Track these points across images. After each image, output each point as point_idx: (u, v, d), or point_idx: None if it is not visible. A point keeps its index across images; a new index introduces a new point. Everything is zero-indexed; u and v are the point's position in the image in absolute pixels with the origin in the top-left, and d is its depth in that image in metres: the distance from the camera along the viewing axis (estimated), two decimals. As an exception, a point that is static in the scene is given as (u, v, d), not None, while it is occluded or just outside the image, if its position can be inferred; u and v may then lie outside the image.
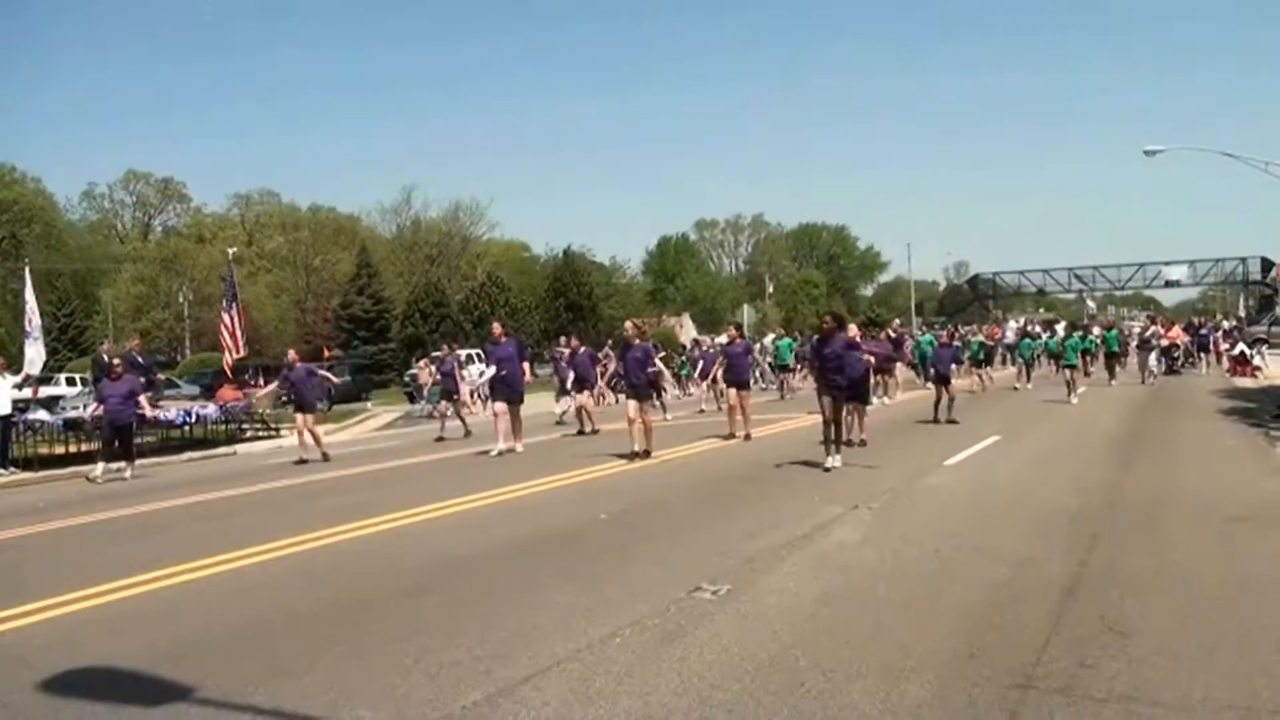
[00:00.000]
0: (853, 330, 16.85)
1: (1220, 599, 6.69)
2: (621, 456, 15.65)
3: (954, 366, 22.81)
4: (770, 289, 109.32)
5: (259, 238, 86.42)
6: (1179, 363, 37.98)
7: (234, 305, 27.92)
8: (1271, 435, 16.60)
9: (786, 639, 5.98)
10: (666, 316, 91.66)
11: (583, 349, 22.74)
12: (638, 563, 8.31)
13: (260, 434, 25.56)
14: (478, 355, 39.24)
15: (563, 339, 34.18)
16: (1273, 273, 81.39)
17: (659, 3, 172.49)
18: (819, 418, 14.23)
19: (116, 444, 17.75)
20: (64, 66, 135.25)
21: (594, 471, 14.58)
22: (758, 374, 33.94)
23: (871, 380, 20.47)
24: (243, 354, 28.72)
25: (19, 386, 21.69)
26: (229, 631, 6.72)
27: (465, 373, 28.16)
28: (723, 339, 24.44)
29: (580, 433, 21.26)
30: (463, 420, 23.51)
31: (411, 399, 36.37)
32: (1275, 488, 11.68)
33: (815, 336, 16.10)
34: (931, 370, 23.88)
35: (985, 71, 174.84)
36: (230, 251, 37.56)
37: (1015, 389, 30.07)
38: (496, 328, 19.16)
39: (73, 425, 21.57)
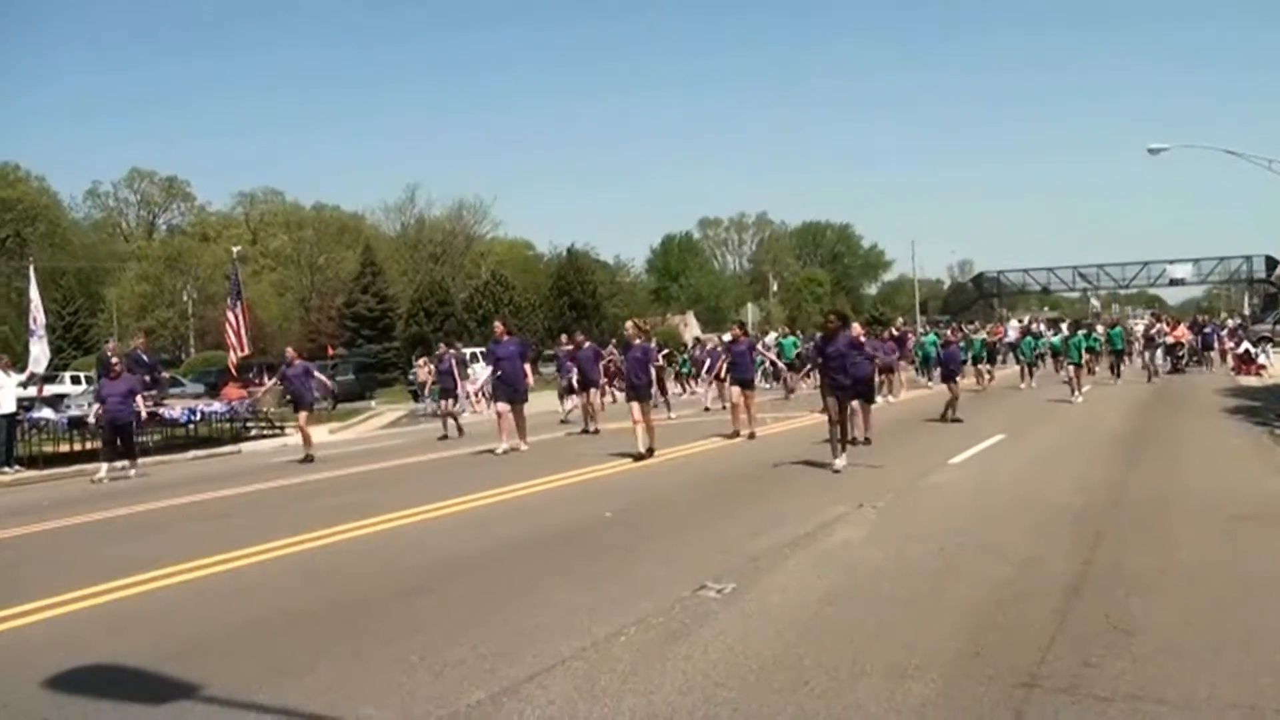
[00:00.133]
0: (856, 329, 16.84)
1: (1225, 598, 6.68)
2: (625, 456, 15.63)
3: (961, 365, 22.72)
4: (774, 287, 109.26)
5: (263, 236, 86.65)
6: (1184, 361, 37.95)
7: (239, 304, 27.96)
8: (1276, 434, 16.55)
9: (791, 638, 5.98)
10: (670, 315, 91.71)
11: (587, 345, 22.69)
12: (641, 561, 8.31)
13: (265, 432, 25.58)
14: (480, 354, 39.26)
15: (564, 337, 34.18)
16: (1277, 271, 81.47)
17: (662, 1, 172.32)
18: (822, 417, 14.22)
19: (118, 442, 17.78)
20: (68, 65, 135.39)
21: (597, 470, 14.58)
22: (760, 374, 34.00)
23: (876, 379, 20.46)
24: (247, 352, 28.77)
25: (24, 385, 21.72)
26: (231, 630, 6.72)
27: (470, 371, 28.22)
28: (726, 338, 24.42)
29: (584, 432, 21.25)
30: (455, 420, 23.46)
31: (416, 397, 36.40)
32: (1280, 486, 11.66)
33: (819, 335, 16.08)
34: (938, 369, 23.81)
35: (989, 70, 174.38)
36: (235, 250, 37.61)
37: (1019, 388, 30.02)
38: (498, 326, 19.17)
39: (77, 423, 21.59)
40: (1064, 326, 35.47)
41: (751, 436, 18.01)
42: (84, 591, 7.86)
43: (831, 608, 6.70)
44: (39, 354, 23.54)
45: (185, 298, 76.07)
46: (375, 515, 10.99)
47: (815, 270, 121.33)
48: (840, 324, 14.43)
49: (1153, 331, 37.29)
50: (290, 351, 21.13)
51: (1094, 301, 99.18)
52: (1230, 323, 50.45)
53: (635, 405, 15.94)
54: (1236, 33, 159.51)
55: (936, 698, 4.91)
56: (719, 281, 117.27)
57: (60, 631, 6.90)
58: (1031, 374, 31.93)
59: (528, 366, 18.23)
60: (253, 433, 25.41)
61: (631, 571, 7.91)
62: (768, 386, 32.94)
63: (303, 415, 19.64)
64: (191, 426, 23.78)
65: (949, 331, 30.36)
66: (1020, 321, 55.77)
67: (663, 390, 27.05)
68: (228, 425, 24.81)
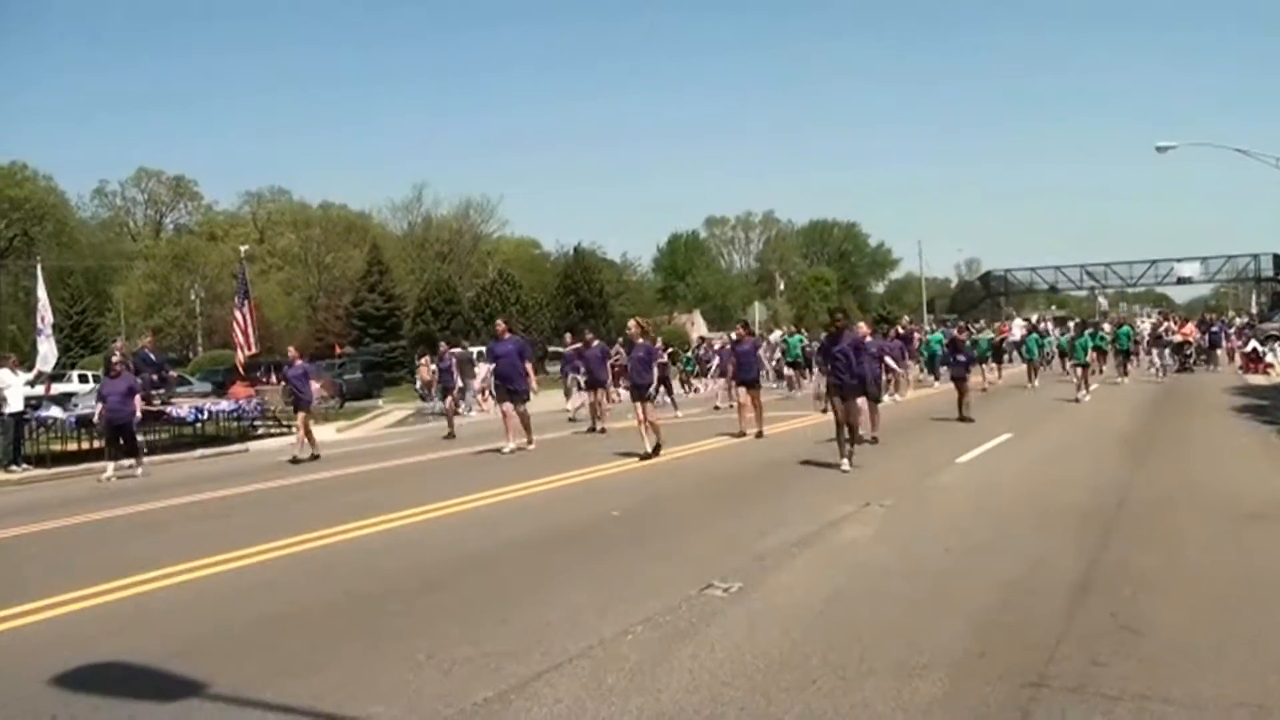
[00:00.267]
0: (862, 329, 16.84)
1: (1232, 597, 6.68)
2: (631, 455, 15.63)
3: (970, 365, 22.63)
4: (781, 286, 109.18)
5: (270, 235, 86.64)
6: (1191, 360, 37.87)
7: (246, 302, 27.97)
8: (1284, 433, 16.54)
9: (797, 636, 5.98)
10: (677, 314, 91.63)
11: (595, 343, 22.68)
12: (648, 560, 8.32)
13: (272, 431, 25.60)
14: (481, 352, 39.27)
15: (568, 336, 34.17)
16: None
17: (664, 1, 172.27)
18: (826, 416, 14.22)
19: (121, 441, 17.81)
20: (74, 64, 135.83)
21: (603, 470, 14.58)
22: (767, 372, 34.01)
23: (884, 377, 20.45)
24: (255, 351, 28.78)
25: (31, 383, 21.77)
26: (238, 629, 6.74)
27: (476, 369, 28.21)
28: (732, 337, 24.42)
29: (591, 430, 21.24)
30: (450, 420, 23.37)
31: (423, 397, 36.43)
32: (1288, 485, 11.64)
33: (825, 334, 16.07)
34: (944, 368, 23.76)
35: (996, 69, 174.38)
36: (242, 249, 37.59)
37: (1026, 387, 29.98)
38: (500, 324, 19.19)
39: (85, 422, 21.61)
40: (1071, 325, 35.45)
41: (759, 435, 18.01)
42: (89, 590, 7.88)
43: (838, 607, 6.70)
44: (46, 353, 23.60)
45: (192, 297, 76.10)
46: (383, 513, 11.00)
47: (822, 269, 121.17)
48: (847, 324, 14.44)
49: (1160, 330, 37.22)
50: (292, 351, 21.16)
51: (1101, 300, 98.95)
52: (1238, 321, 50.33)
53: (639, 405, 15.95)
54: (1242, 32, 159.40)
55: (944, 697, 4.92)
56: (725, 280, 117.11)
57: (65, 630, 6.92)
58: (1036, 373, 31.87)
59: (528, 366, 18.17)
60: (260, 431, 25.43)
61: (638, 570, 7.91)
62: (774, 386, 32.94)
63: (301, 415, 19.62)
64: (199, 425, 23.80)
65: (956, 331, 30.28)
66: (1027, 320, 55.67)
67: (668, 390, 27.07)
68: (235, 424, 24.84)
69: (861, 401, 14.94)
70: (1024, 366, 33.09)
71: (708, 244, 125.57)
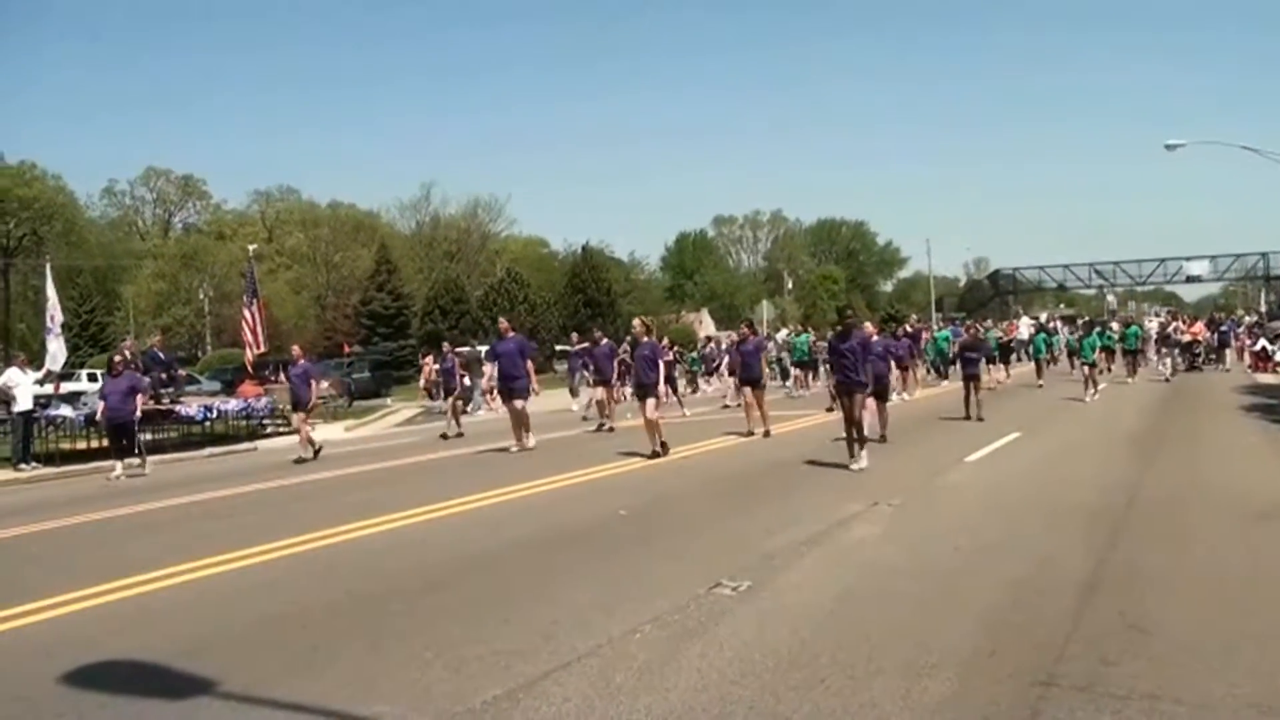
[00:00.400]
0: (869, 328, 16.82)
1: (1242, 596, 6.66)
2: (639, 454, 15.61)
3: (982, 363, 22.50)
4: (789, 285, 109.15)
5: (279, 234, 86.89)
6: (1200, 359, 37.76)
7: (255, 301, 27.99)
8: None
9: (806, 635, 5.98)
10: (685, 313, 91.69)
11: (604, 342, 22.65)
12: (656, 559, 8.31)
13: (281, 429, 25.61)
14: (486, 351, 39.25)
15: (575, 335, 34.17)
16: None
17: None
18: (835, 415, 14.21)
19: (124, 441, 17.83)
20: (83, 64, 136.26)
21: (608, 469, 14.57)
22: (776, 371, 34.00)
23: (892, 376, 20.42)
24: (264, 350, 28.81)
25: (41, 382, 21.81)
26: (244, 627, 6.75)
27: (485, 369, 28.22)
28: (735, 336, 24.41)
29: (600, 429, 21.23)
30: (452, 419, 23.31)
31: (430, 395, 36.44)
32: (1298, 485, 11.61)
33: (834, 332, 16.02)
34: (954, 366, 23.68)
35: (1004, 68, 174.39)
36: (251, 248, 37.69)
37: (1035, 387, 29.91)
38: (503, 323, 19.19)
39: (93, 421, 21.62)
40: (1079, 324, 35.36)
41: (766, 434, 17.99)
42: (96, 589, 7.90)
43: (847, 606, 6.70)
44: (56, 351, 23.62)
45: (201, 296, 76.33)
46: (382, 514, 10.95)
47: (830, 267, 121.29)
48: (855, 322, 14.43)
49: (1169, 329, 37.12)
50: (296, 350, 21.09)
51: (1110, 298, 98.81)
52: (1247, 320, 50.17)
53: (645, 403, 15.95)
54: (1255, 28, 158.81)
55: (953, 696, 4.91)
56: (734, 279, 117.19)
57: (68, 630, 6.93)
58: (1041, 372, 31.77)
59: (529, 365, 18.14)
60: (269, 430, 25.47)
61: (646, 569, 7.91)
62: (783, 386, 32.90)
63: (298, 415, 19.57)
64: (208, 424, 23.83)
65: (964, 329, 30.19)
66: (1035, 319, 55.53)
67: (674, 389, 27.06)
68: (244, 423, 24.87)
69: (870, 400, 14.93)
70: (1031, 366, 33.02)
71: (716, 243, 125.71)
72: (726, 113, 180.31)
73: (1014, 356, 38.91)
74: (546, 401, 27.97)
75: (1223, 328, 40.51)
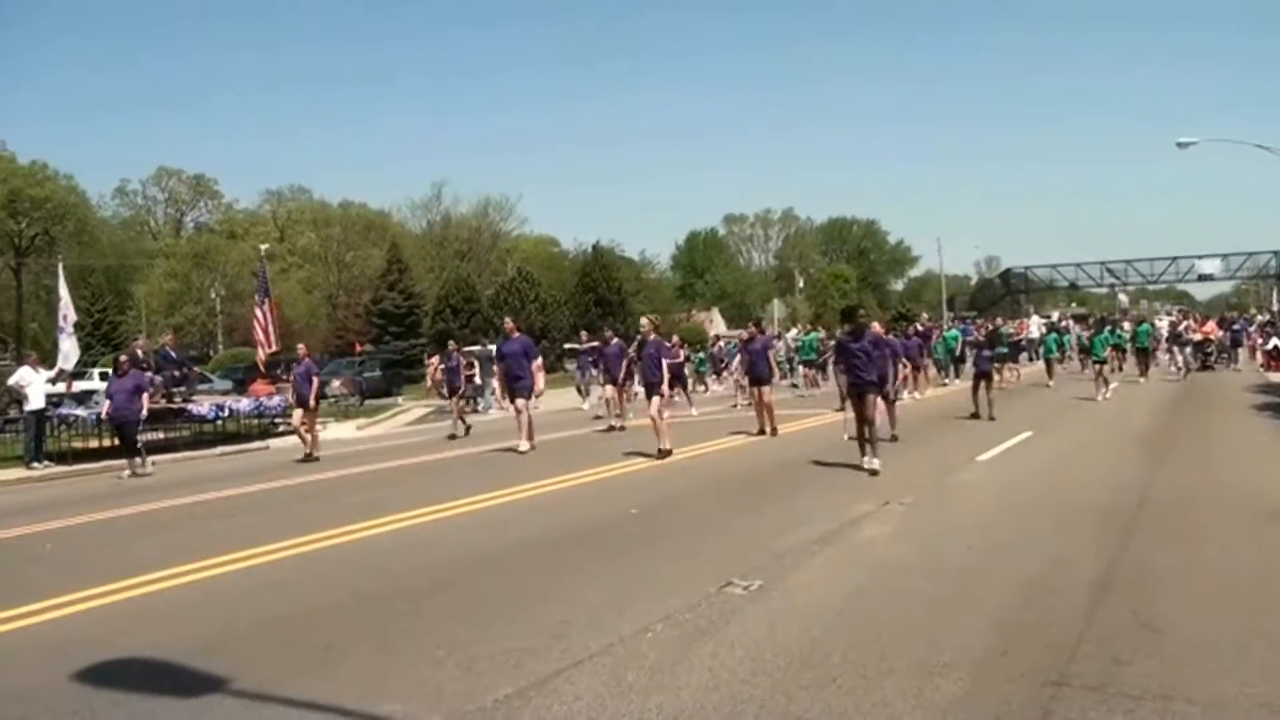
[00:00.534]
0: (876, 328, 16.80)
1: (1254, 595, 6.64)
2: (645, 454, 15.58)
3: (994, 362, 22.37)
4: (800, 283, 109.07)
5: (290, 234, 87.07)
6: (1212, 358, 37.61)
7: (266, 301, 28.01)
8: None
9: (818, 635, 5.98)
10: (696, 311, 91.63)
11: (614, 341, 22.65)
12: (666, 558, 8.31)
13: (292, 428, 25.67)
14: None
15: (584, 334, 34.17)
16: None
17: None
18: (843, 414, 14.19)
19: (129, 440, 17.87)
20: (95, 64, 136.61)
21: (617, 469, 14.57)
22: (786, 370, 33.96)
23: (901, 375, 20.38)
24: (275, 349, 28.85)
25: (53, 381, 21.90)
26: (253, 627, 6.77)
27: (496, 367, 28.22)
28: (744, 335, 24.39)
29: (610, 429, 21.22)
30: (457, 419, 23.32)
31: (442, 394, 36.46)
32: (1311, 484, 11.56)
33: (845, 331, 15.97)
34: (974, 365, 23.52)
35: (1016, 66, 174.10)
36: (262, 247, 37.72)
37: (1046, 386, 29.82)
38: (509, 323, 19.20)
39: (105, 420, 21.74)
40: (1090, 322, 35.23)
41: (774, 433, 17.99)
42: (109, 587, 7.94)
43: (859, 605, 6.69)
44: (68, 350, 23.71)
45: (213, 295, 76.55)
46: (388, 514, 10.94)
47: (841, 266, 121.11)
48: (866, 320, 14.41)
49: (1180, 328, 36.99)
50: (301, 349, 21.00)
51: (1122, 297, 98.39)
52: (1259, 318, 49.94)
53: (650, 401, 15.95)
54: (1267, 26, 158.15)
55: (965, 695, 4.91)
56: (744, 278, 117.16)
57: (82, 627, 6.96)
58: (1052, 372, 31.69)
59: (533, 366, 18.16)
60: (281, 429, 25.51)
61: (656, 568, 7.91)
62: (793, 385, 32.89)
63: (298, 414, 19.52)
64: (219, 423, 23.89)
65: (975, 327, 30.07)
66: (1046, 318, 55.33)
67: (684, 387, 27.08)
68: (256, 421, 24.93)
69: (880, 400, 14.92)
70: (1041, 365, 32.93)
71: (726, 241, 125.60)
72: (728, 113, 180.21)
73: (1024, 356, 38.83)
74: (556, 400, 27.99)
75: (1235, 326, 40.35)
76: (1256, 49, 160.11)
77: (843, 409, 14.06)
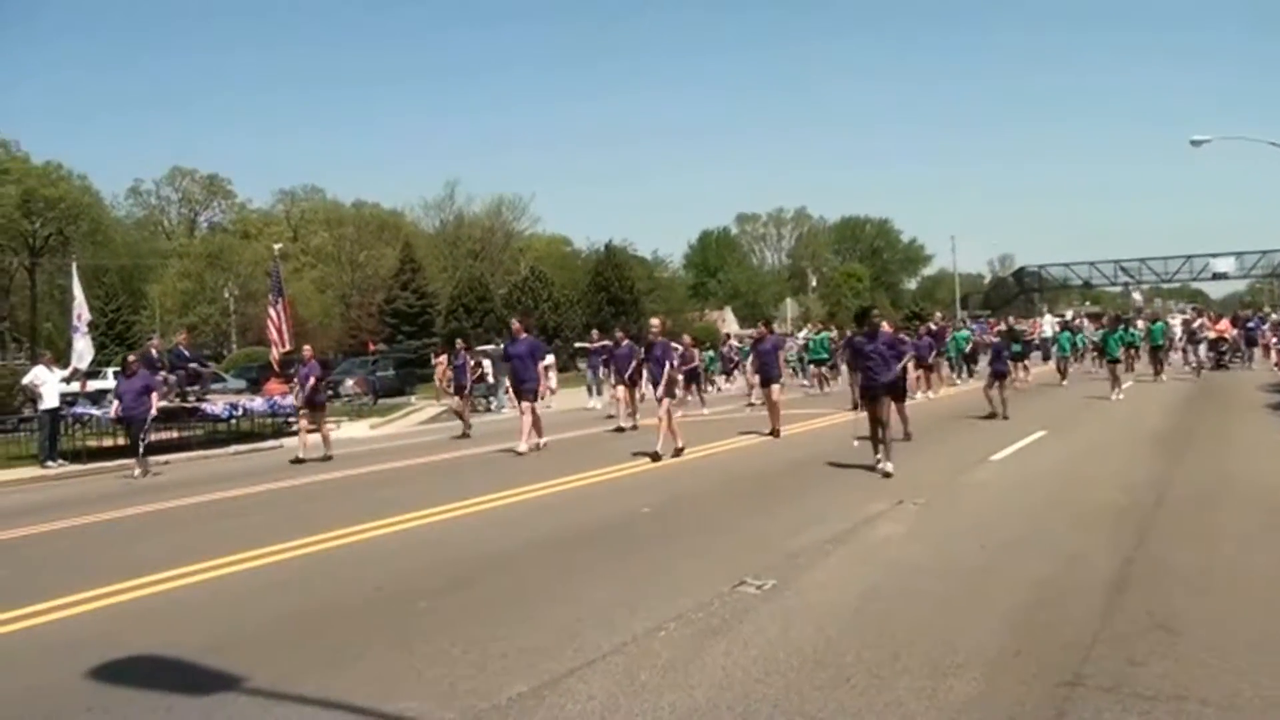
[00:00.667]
0: (886, 328, 16.76)
1: (1270, 595, 6.62)
2: (655, 453, 15.55)
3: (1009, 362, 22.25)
4: (813, 282, 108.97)
5: (304, 234, 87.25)
6: (1226, 357, 37.44)
7: (280, 300, 28.05)
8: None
9: (831, 634, 5.97)
10: (709, 310, 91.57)
11: (625, 341, 22.65)
12: (678, 558, 8.30)
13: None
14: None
15: (595, 333, 34.14)
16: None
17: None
18: (855, 415, 14.17)
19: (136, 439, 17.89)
20: (108, 63, 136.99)
21: (627, 468, 14.57)
22: (794, 369, 33.97)
23: (912, 375, 20.33)
24: (289, 348, 28.88)
25: (67, 380, 21.98)
26: (270, 624, 6.80)
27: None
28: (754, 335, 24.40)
29: (619, 429, 21.20)
30: (462, 418, 23.30)
31: (452, 393, 36.47)
32: (1327, 484, 11.50)
33: (860, 331, 15.93)
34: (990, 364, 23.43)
35: (1030, 66, 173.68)
36: (276, 247, 37.79)
37: (1059, 385, 29.74)
38: (515, 324, 19.20)
39: (119, 419, 21.80)
40: (1103, 320, 35.08)
41: (775, 435, 17.96)
42: (119, 586, 7.97)
43: (872, 604, 6.68)
44: (83, 350, 23.79)
45: (227, 294, 76.70)
46: (397, 514, 10.94)
47: (854, 265, 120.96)
48: (880, 320, 14.38)
49: (1194, 326, 36.84)
50: (307, 349, 20.89)
51: (1136, 296, 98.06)
52: (1274, 317, 49.71)
53: (660, 402, 15.94)
54: (1261, 31, 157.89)
55: (978, 696, 4.90)
56: (757, 277, 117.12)
57: (94, 625, 6.99)
58: (1064, 372, 31.56)
59: (539, 367, 18.19)
60: (294, 428, 25.54)
61: (668, 568, 7.91)
62: (806, 384, 32.85)
63: (301, 414, 19.52)
64: (233, 421, 23.96)
65: (988, 325, 29.97)
66: (1060, 317, 55.10)
67: (698, 387, 27.10)
68: (269, 420, 24.98)
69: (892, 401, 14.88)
70: (1053, 364, 32.82)
71: (739, 240, 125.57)
72: (729, 113, 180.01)
73: (1038, 354, 38.69)
74: (566, 400, 27.97)
75: (1249, 325, 40.18)
76: (1257, 49, 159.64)
77: (858, 407, 14.03)
